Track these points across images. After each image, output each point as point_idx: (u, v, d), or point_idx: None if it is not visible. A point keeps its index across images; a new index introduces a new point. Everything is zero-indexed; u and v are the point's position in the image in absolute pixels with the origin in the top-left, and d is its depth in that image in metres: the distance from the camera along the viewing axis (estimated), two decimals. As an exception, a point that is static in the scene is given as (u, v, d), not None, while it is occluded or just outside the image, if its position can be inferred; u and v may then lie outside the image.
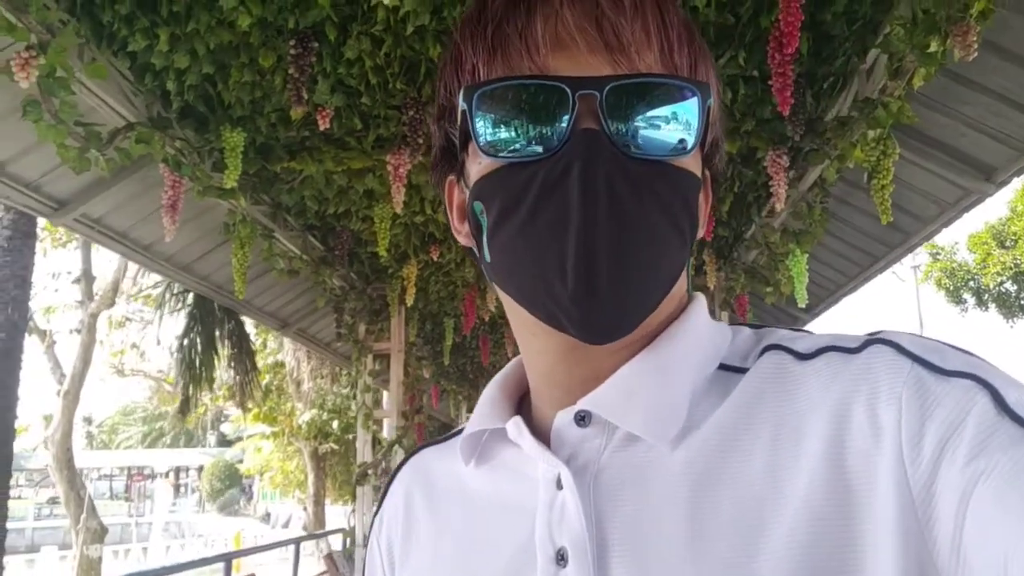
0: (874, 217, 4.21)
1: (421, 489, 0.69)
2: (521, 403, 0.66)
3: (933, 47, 2.46)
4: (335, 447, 14.80)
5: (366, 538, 4.34)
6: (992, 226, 11.94)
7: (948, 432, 0.44)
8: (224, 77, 3.17)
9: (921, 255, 14.46)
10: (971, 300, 12.49)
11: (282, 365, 14.98)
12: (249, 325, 8.81)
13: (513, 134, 0.54)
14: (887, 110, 2.92)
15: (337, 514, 17.23)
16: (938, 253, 13.08)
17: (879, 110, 2.94)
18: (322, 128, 3.32)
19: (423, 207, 4.57)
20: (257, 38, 2.92)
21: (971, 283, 12.24)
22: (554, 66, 0.53)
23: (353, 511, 6.22)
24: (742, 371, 0.56)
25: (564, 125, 0.52)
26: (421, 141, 3.43)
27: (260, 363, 12.39)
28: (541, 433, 0.60)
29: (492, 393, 0.66)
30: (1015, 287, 11.77)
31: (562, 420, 0.58)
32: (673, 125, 0.54)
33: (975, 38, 2.32)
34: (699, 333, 0.59)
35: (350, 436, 14.46)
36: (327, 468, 15.48)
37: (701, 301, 0.62)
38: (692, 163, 0.56)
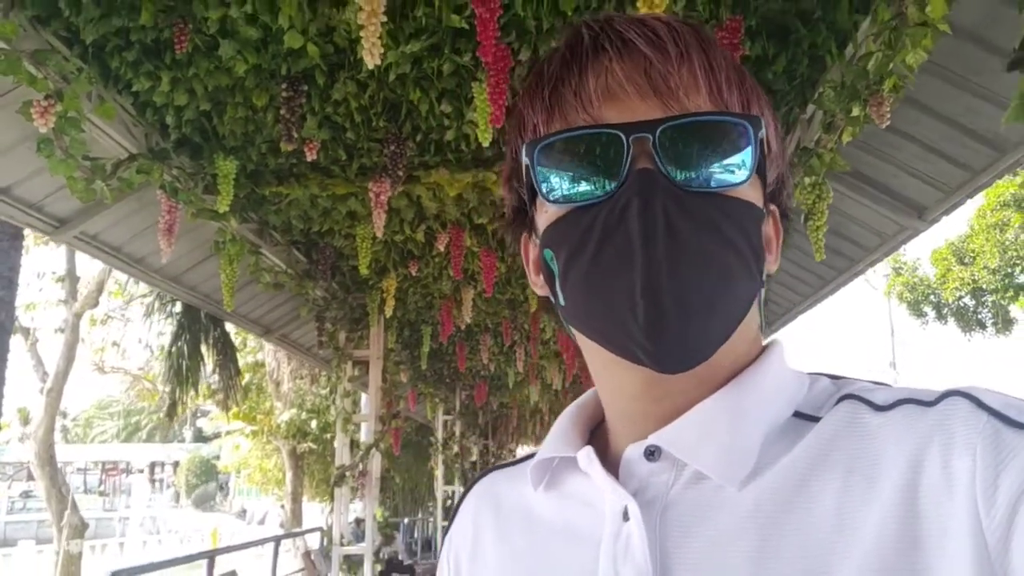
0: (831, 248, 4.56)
1: (489, 510, 0.70)
2: (593, 435, 0.67)
3: (856, 111, 2.78)
4: (313, 446, 15.01)
5: (343, 536, 4.71)
6: (952, 243, 12.44)
7: None
8: (220, 113, 3.44)
9: (886, 267, 14.96)
10: (931, 313, 12.99)
11: (262, 365, 15.17)
12: (231, 329, 9.04)
13: (575, 181, 0.57)
14: (820, 159, 3.24)
15: (314, 512, 17.45)
16: (900, 268, 13.60)
17: (814, 159, 3.27)
18: (309, 159, 3.59)
19: (402, 227, 4.85)
20: (252, 81, 3.19)
21: (931, 297, 12.75)
22: (608, 116, 0.56)
23: (331, 511, 6.46)
24: (816, 419, 0.56)
25: (621, 168, 0.54)
26: (401, 173, 3.72)
27: (240, 362, 12.57)
28: (611, 465, 0.60)
29: (565, 422, 0.67)
30: (972, 302, 12.27)
31: (632, 453, 0.59)
32: (726, 158, 0.55)
33: (888, 108, 2.64)
34: (776, 379, 0.59)
35: (327, 436, 14.71)
36: (305, 467, 15.69)
37: (780, 347, 0.62)
38: (749, 193, 0.57)
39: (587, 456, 0.61)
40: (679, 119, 0.54)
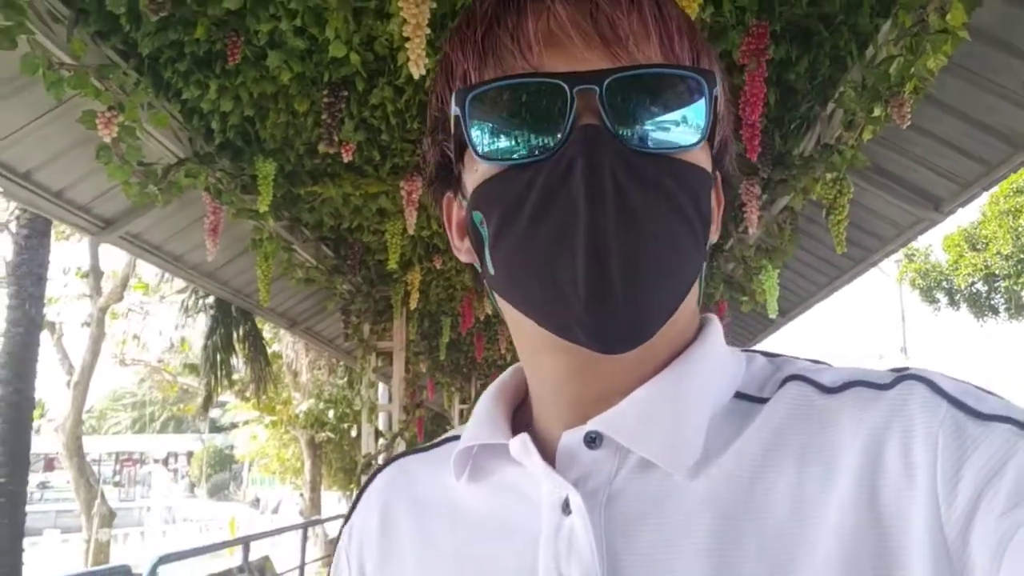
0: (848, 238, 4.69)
1: (403, 501, 0.64)
2: (515, 416, 0.62)
3: (876, 112, 2.90)
4: (331, 435, 15.23)
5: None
6: (964, 229, 12.51)
7: (986, 478, 0.43)
8: (262, 117, 3.58)
9: (898, 253, 15.04)
10: (943, 300, 13.08)
11: (279, 356, 15.38)
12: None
13: (510, 136, 0.51)
14: (842, 156, 3.37)
15: (331, 500, 17.71)
16: (913, 255, 13.68)
17: (835, 155, 3.40)
18: (346, 161, 3.74)
19: (429, 223, 4.99)
20: (295, 88, 3.34)
21: (944, 283, 12.83)
22: (549, 64, 0.51)
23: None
24: (761, 401, 0.54)
25: (564, 123, 0.49)
26: (434, 173, 3.86)
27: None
28: (543, 450, 0.55)
29: (488, 405, 0.62)
30: (985, 288, 12.35)
31: (570, 440, 0.54)
32: (678, 117, 0.51)
33: (909, 109, 2.77)
34: (717, 358, 0.56)
35: (344, 425, 14.93)
36: (323, 456, 15.92)
37: (716, 323, 0.59)
38: (701, 157, 0.53)
39: (523, 444, 0.55)
40: (629, 70, 0.49)
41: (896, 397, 0.49)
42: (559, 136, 0.50)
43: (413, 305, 6.11)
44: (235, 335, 6.87)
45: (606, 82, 0.49)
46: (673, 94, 0.51)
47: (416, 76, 2.66)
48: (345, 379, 14.33)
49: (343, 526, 0.68)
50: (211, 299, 6.77)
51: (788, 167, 3.92)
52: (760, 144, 3.30)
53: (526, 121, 0.51)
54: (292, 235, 5.00)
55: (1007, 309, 12.61)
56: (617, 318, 0.48)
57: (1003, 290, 12.12)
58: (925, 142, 3.69)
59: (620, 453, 0.53)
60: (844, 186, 3.51)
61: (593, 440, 0.54)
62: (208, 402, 8.59)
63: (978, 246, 11.54)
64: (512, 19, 0.52)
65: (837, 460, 0.48)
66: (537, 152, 0.50)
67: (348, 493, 16.18)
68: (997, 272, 11.65)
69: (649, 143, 0.50)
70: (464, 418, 7.32)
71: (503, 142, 0.52)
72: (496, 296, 0.58)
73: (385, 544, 0.63)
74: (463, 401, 12.63)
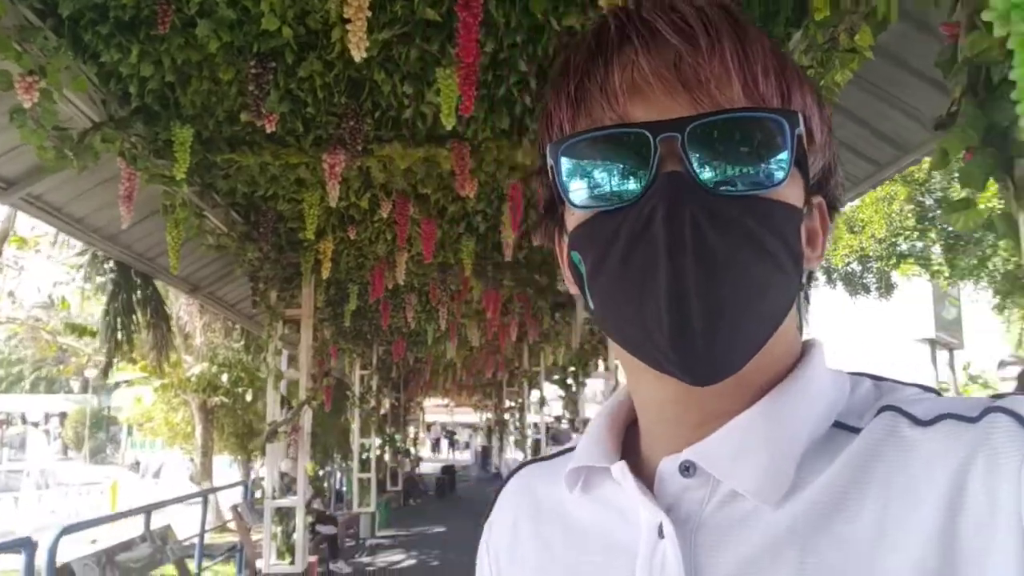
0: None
1: (528, 507, 0.70)
2: (628, 434, 0.65)
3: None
4: (225, 400, 14.88)
5: (275, 490, 4.87)
6: (844, 213, 13.41)
7: None
8: (183, 84, 3.49)
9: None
10: (822, 277, 14.06)
11: (169, 318, 14.82)
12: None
13: (599, 184, 0.54)
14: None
15: (224, 466, 17.35)
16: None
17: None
18: (268, 131, 3.69)
19: (347, 194, 4.98)
20: (221, 57, 3.27)
21: (823, 263, 13.68)
22: (634, 113, 0.53)
23: (263, 464, 6.60)
24: (856, 431, 0.54)
25: (648, 170, 0.52)
26: (360, 148, 3.86)
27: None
28: (645, 474, 0.59)
29: (600, 425, 0.65)
30: (859, 268, 13.34)
31: (666, 467, 0.57)
32: (761, 157, 0.52)
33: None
34: (817, 386, 0.57)
35: (240, 390, 14.62)
36: (215, 421, 15.54)
37: (820, 349, 0.60)
38: (788, 193, 0.54)
39: (621, 471, 0.59)
40: (709, 116, 0.51)
41: (981, 431, 0.49)
42: (643, 183, 0.52)
43: (326, 274, 6.08)
44: (134, 299, 6.63)
45: (687, 128, 0.51)
46: (754, 135, 0.52)
47: (357, 59, 2.68)
48: (242, 343, 14.00)
49: (485, 520, 0.76)
50: (111, 263, 6.50)
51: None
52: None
53: (613, 169, 0.54)
54: (203, 201, 4.88)
55: (877, 288, 13.71)
56: (699, 356, 0.50)
57: (875, 271, 13.15)
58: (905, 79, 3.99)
59: (712, 483, 0.55)
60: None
61: (687, 469, 0.56)
62: (108, 369, 8.22)
63: (855, 229, 12.40)
64: (600, 72, 0.55)
65: (922, 494, 0.48)
66: (623, 199, 0.53)
67: (242, 458, 15.89)
68: (871, 254, 12.58)
69: (730, 186, 0.52)
70: (364, 385, 7.34)
71: (592, 190, 0.55)
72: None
73: (514, 541, 0.70)
74: (364, 367, 12.63)
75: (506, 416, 20.03)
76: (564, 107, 0.57)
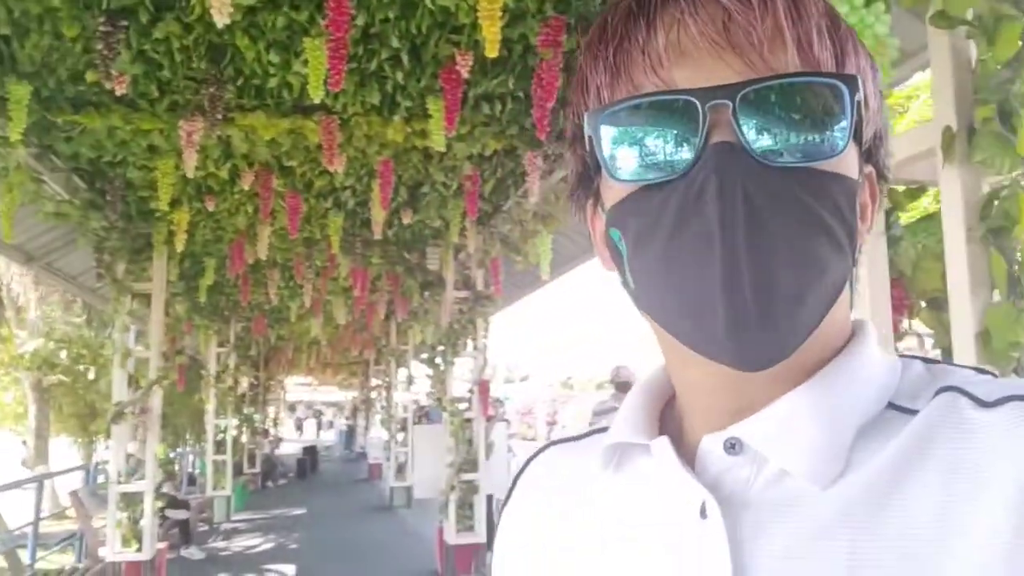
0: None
1: (553, 488, 0.66)
2: (664, 412, 0.62)
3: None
4: (63, 379, 13.87)
5: (121, 474, 4.64)
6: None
7: None
8: (20, 37, 3.18)
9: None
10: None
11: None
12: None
13: (643, 156, 0.50)
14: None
15: (62, 448, 16.20)
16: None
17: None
18: (118, 93, 3.43)
19: (204, 164, 4.72)
20: (66, 11, 3.00)
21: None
22: (680, 78, 0.49)
23: (107, 448, 6.21)
24: (912, 412, 0.51)
25: (696, 140, 0.48)
26: (219, 116, 3.66)
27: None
28: (685, 453, 0.56)
29: (635, 402, 0.62)
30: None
31: (710, 444, 0.54)
32: (818, 126, 0.49)
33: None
34: (869, 367, 0.54)
35: (81, 367, 13.66)
36: (52, 401, 14.47)
37: (870, 330, 0.57)
38: (845, 164, 0.51)
39: (661, 446, 0.56)
40: (763, 81, 0.48)
41: None
42: (692, 154, 0.49)
43: (180, 247, 5.76)
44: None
45: (739, 95, 0.47)
46: (811, 102, 0.49)
47: (220, 25, 2.53)
48: (84, 317, 13.09)
49: (503, 506, 0.71)
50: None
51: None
52: (548, 126, 3.52)
53: (658, 139, 0.50)
54: (41, 164, 4.49)
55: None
56: (755, 340, 0.47)
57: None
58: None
59: (759, 461, 0.52)
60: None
61: (733, 446, 0.53)
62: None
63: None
64: (642, 34, 0.51)
65: (988, 479, 0.45)
66: (670, 172, 0.49)
67: (83, 441, 14.90)
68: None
69: (786, 157, 0.48)
70: (221, 363, 7.05)
71: (636, 162, 0.51)
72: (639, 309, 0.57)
73: (537, 525, 0.66)
74: (221, 344, 12.09)
75: (372, 395, 19.79)
76: (602, 72, 0.53)
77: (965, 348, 1.52)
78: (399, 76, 3.62)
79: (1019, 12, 1.49)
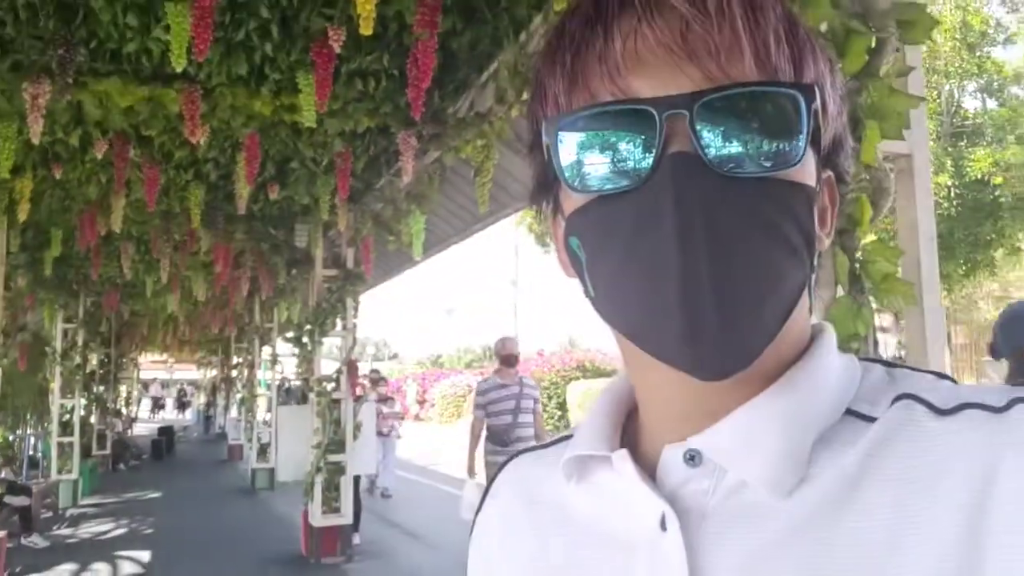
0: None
1: (520, 498, 0.67)
2: (627, 421, 0.62)
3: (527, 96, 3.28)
4: None
5: None
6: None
7: None
8: None
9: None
10: (553, 244, 14.98)
11: None
12: None
13: (600, 165, 0.50)
14: (492, 126, 3.74)
15: None
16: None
17: (487, 125, 3.76)
18: (-48, 49, 3.15)
19: (52, 130, 4.40)
20: None
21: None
22: (638, 87, 0.49)
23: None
24: (871, 419, 0.51)
25: (653, 151, 0.48)
26: (70, 80, 3.43)
27: None
28: (647, 464, 0.56)
29: (599, 412, 0.62)
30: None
31: (670, 456, 0.54)
32: (775, 136, 0.49)
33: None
34: (828, 373, 0.54)
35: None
36: None
37: (830, 334, 0.57)
38: (803, 173, 0.51)
39: (621, 459, 0.56)
40: (720, 91, 0.48)
41: (1011, 422, 0.46)
42: (650, 164, 0.48)
43: (23, 216, 5.34)
44: None
45: (696, 105, 0.47)
46: (768, 112, 0.49)
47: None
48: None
49: (476, 515, 0.72)
50: None
51: (443, 123, 4.23)
52: (423, 105, 3.52)
53: (616, 149, 0.50)
54: None
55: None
56: (715, 350, 0.48)
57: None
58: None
59: (718, 473, 0.52)
60: (491, 152, 3.91)
61: (692, 458, 0.53)
62: None
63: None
64: (599, 41, 0.50)
65: (944, 489, 0.46)
66: (628, 182, 0.49)
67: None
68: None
69: (743, 167, 0.48)
70: (68, 340, 6.67)
71: (593, 172, 0.51)
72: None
73: (506, 536, 0.66)
74: (68, 320, 11.31)
75: (233, 374, 19.08)
76: (559, 79, 0.52)
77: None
78: (268, 48, 3.51)
79: (867, 28, 1.64)
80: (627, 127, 0.49)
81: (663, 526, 0.52)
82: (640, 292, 0.49)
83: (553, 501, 0.63)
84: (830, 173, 0.57)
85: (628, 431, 0.61)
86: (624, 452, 0.56)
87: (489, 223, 6.16)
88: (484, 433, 5.94)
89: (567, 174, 0.52)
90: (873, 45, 1.69)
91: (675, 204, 0.47)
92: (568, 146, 0.51)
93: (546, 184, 0.58)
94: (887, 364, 0.57)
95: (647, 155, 0.48)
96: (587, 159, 0.51)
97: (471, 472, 6.15)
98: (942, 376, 0.54)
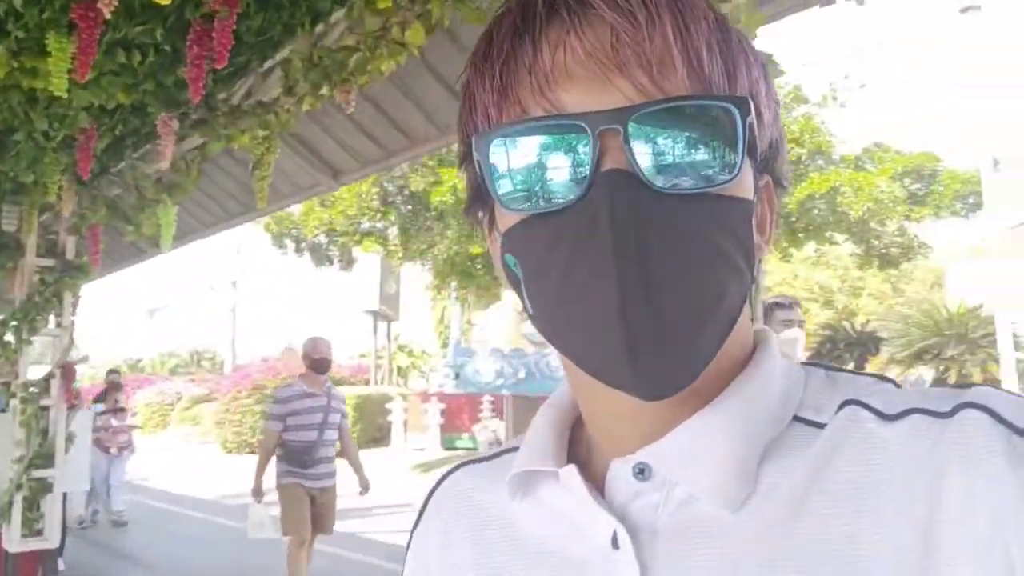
0: (241, 183, 4.86)
1: (463, 515, 0.64)
2: (573, 434, 0.61)
3: (324, 91, 3.15)
4: None
5: None
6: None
7: None
8: None
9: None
10: (291, 245, 14.50)
11: None
12: None
13: (532, 183, 0.49)
14: (277, 118, 3.53)
15: None
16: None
17: (271, 116, 3.53)
18: None
19: None
20: None
21: (294, 231, 14.22)
22: (569, 102, 0.48)
23: None
24: (818, 425, 0.51)
25: (587, 167, 0.47)
26: None
27: None
28: (594, 477, 0.55)
29: (544, 425, 0.60)
30: (326, 240, 14.14)
31: (618, 471, 0.53)
32: (712, 150, 0.47)
33: (353, 96, 3.08)
34: (773, 381, 0.54)
35: None
36: None
37: (771, 342, 0.56)
38: (741, 186, 0.50)
39: (569, 475, 0.55)
40: (653, 105, 0.46)
41: (955, 428, 0.46)
42: (582, 182, 0.47)
43: None
44: None
45: (629, 120, 0.46)
46: (703, 126, 0.48)
47: None
48: None
49: (412, 531, 0.68)
50: None
51: (213, 110, 3.90)
52: (203, 88, 3.23)
53: (548, 166, 0.48)
54: None
55: (340, 260, 14.68)
56: (655, 370, 0.47)
57: (339, 244, 14.04)
58: (341, 121, 4.12)
59: (668, 486, 0.51)
60: (272, 145, 3.68)
61: (642, 471, 0.52)
62: None
63: (326, 203, 13.03)
64: (528, 53, 0.49)
65: (893, 496, 0.46)
66: (562, 199, 0.48)
67: None
68: (338, 228, 13.38)
69: (679, 182, 0.47)
70: None
71: (525, 189, 0.49)
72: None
73: (446, 552, 0.63)
74: None
75: None
76: (489, 91, 0.51)
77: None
78: (16, 0, 3.01)
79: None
80: (559, 143, 0.48)
81: (615, 544, 0.51)
82: (578, 313, 0.48)
83: (499, 517, 0.61)
84: (768, 178, 0.56)
85: (573, 445, 0.60)
86: (572, 468, 0.55)
87: (246, 219, 5.79)
88: (279, 451, 5.13)
89: (499, 191, 0.51)
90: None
91: (610, 222, 0.46)
92: (499, 162, 0.50)
93: (481, 197, 0.56)
94: (828, 368, 0.57)
95: (581, 172, 0.47)
96: (519, 176, 0.50)
97: (257, 494, 5.28)
98: (883, 379, 0.55)
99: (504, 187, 0.50)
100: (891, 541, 0.45)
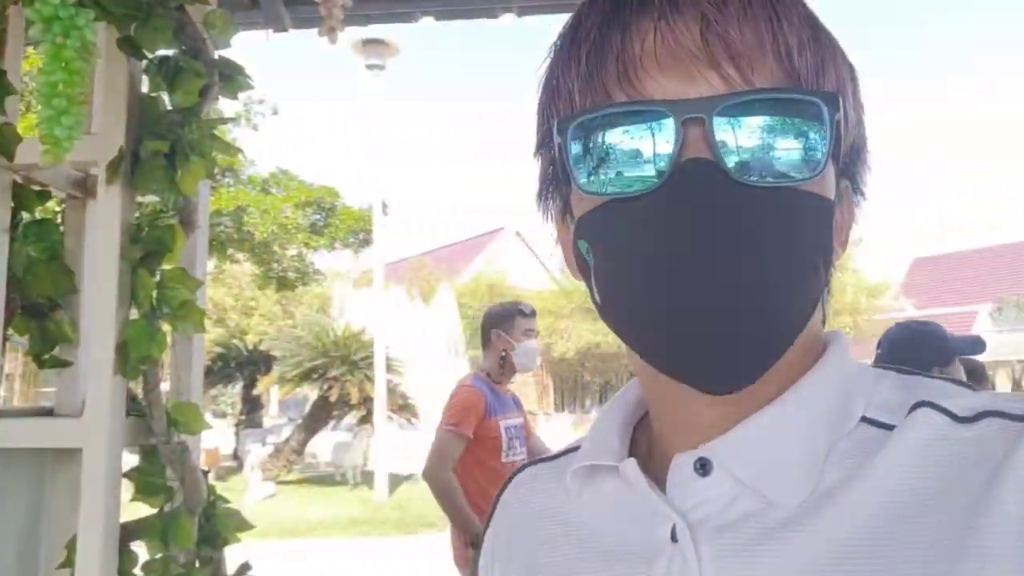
0: None
1: (528, 510, 0.64)
2: (636, 428, 0.60)
3: None
4: None
5: None
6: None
7: None
8: None
9: None
10: None
11: None
12: None
13: (613, 169, 0.48)
14: None
15: None
16: None
17: None
18: None
19: None
20: None
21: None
22: (654, 89, 0.47)
23: None
24: (888, 427, 0.49)
25: (669, 156, 0.46)
26: None
27: None
28: (657, 474, 0.53)
29: (607, 421, 0.61)
30: None
31: (680, 465, 0.51)
32: (795, 145, 0.46)
33: None
34: (842, 381, 0.52)
35: None
36: None
37: (842, 342, 0.55)
38: (823, 184, 0.49)
39: (630, 469, 0.54)
40: (740, 96, 0.46)
41: None
42: (664, 170, 0.46)
43: None
44: None
45: (716, 110, 0.45)
46: (789, 119, 0.47)
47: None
48: None
49: (486, 527, 0.69)
50: None
51: None
52: None
53: (630, 152, 0.47)
54: None
55: None
56: (724, 364, 0.46)
57: None
58: None
59: (729, 482, 0.50)
60: None
61: (703, 466, 0.51)
62: None
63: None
64: (617, 40, 0.48)
65: (978, 502, 0.44)
66: (642, 186, 0.47)
67: None
68: None
69: (761, 175, 0.46)
70: None
71: (605, 175, 0.48)
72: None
73: (512, 549, 0.64)
74: None
75: None
76: (574, 76, 0.50)
77: (105, 359, 1.59)
78: None
79: (204, 71, 1.69)
80: (643, 130, 0.48)
81: (674, 538, 0.51)
82: (649, 303, 0.48)
83: (561, 513, 0.62)
84: (847, 183, 0.56)
85: (637, 440, 0.60)
86: (632, 461, 0.55)
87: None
88: None
89: (579, 175, 0.50)
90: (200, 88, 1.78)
91: (690, 211, 0.46)
92: (581, 147, 0.50)
93: (555, 183, 0.57)
94: (900, 371, 0.56)
95: (663, 160, 0.47)
96: (600, 161, 0.49)
97: None
98: (958, 383, 0.54)
99: (584, 172, 0.50)
100: (981, 544, 0.43)
